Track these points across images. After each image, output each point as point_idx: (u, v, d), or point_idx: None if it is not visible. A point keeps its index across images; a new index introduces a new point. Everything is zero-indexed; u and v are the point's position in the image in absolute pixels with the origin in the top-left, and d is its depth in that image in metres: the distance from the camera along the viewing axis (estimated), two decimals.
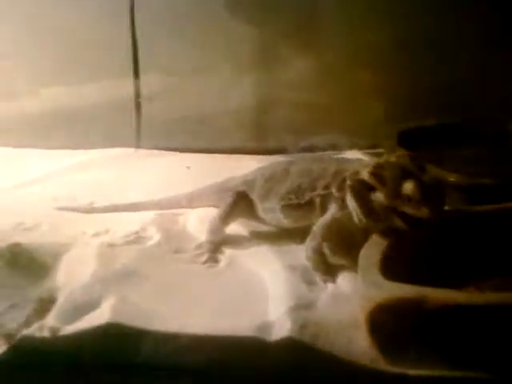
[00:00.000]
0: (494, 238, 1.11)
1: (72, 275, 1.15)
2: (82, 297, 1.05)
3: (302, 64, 1.91)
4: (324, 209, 1.19)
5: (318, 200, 1.20)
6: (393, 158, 1.10)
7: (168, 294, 1.08)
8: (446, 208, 1.27)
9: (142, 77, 1.93)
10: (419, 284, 0.91)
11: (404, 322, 0.86)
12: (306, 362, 0.89)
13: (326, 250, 1.20)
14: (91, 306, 1.03)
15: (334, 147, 1.87)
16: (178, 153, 1.93)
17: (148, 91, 1.96)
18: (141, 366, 0.93)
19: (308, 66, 1.90)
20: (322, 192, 1.19)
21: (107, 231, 1.37)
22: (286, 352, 0.89)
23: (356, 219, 1.11)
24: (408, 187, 1.03)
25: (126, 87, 1.94)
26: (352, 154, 1.75)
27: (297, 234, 1.26)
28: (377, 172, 1.07)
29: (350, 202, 1.11)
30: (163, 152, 1.94)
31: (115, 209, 1.50)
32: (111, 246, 1.28)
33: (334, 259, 1.19)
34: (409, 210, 1.03)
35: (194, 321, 0.98)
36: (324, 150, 1.87)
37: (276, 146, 1.87)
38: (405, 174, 1.05)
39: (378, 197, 1.07)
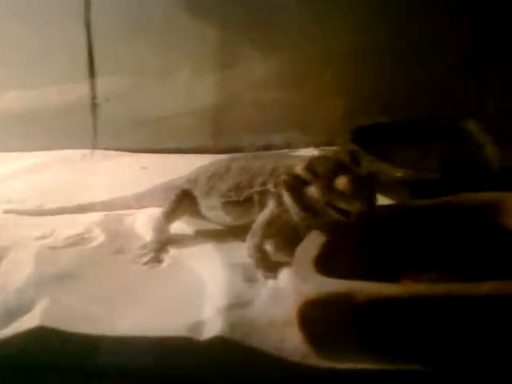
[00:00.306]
0: (433, 232, 1.11)
1: (7, 279, 1.11)
2: (15, 300, 1.03)
3: (261, 64, 1.90)
4: (263, 205, 1.17)
5: (256, 197, 1.18)
6: (329, 153, 1.09)
7: (104, 296, 1.05)
8: (391, 203, 1.28)
9: (99, 78, 1.90)
10: (356, 278, 0.90)
11: (334, 316, 0.84)
12: (236, 361, 0.87)
13: (269, 247, 1.18)
14: (23, 309, 1.00)
15: (291, 145, 1.86)
16: (135, 153, 1.90)
17: (105, 92, 1.92)
18: (70, 369, 0.91)
19: (267, 66, 1.89)
20: (260, 189, 1.18)
21: (52, 233, 1.34)
22: (217, 351, 0.87)
23: (293, 214, 1.10)
24: (341, 182, 1.02)
25: (82, 88, 1.90)
26: (308, 152, 1.75)
27: (241, 232, 1.24)
28: (311, 166, 1.06)
29: (286, 198, 1.10)
30: (120, 153, 1.91)
31: (63, 211, 1.47)
32: (52, 248, 1.25)
33: (277, 256, 1.17)
34: (341, 204, 1.03)
35: (127, 322, 0.95)
36: (280, 148, 1.86)
37: (233, 145, 1.85)
38: (339, 169, 1.04)
39: (313, 191, 1.06)
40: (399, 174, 1.38)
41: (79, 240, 1.29)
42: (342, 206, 1.02)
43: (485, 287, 0.78)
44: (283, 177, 1.09)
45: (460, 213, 1.14)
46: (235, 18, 1.83)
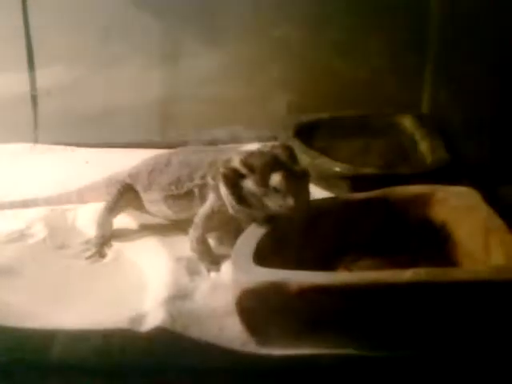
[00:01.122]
0: (368, 223, 1.16)
1: None
2: None
3: (206, 58, 1.90)
4: (203, 198, 1.19)
5: (196, 190, 1.20)
6: (265, 148, 1.12)
7: (44, 292, 1.05)
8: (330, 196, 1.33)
9: (39, 70, 1.85)
10: (293, 269, 0.93)
11: (270, 304, 0.88)
12: (176, 352, 0.89)
13: (212, 240, 1.21)
14: None
15: (236, 140, 1.87)
16: (77, 148, 1.87)
17: (46, 85, 1.88)
18: (8, 365, 0.90)
19: (212, 61, 1.89)
20: (199, 182, 1.20)
21: None
22: (156, 342, 0.89)
23: (228, 206, 1.13)
24: (275, 179, 1.05)
25: (22, 81, 1.85)
26: (252, 147, 1.77)
27: (185, 225, 1.25)
28: (247, 160, 1.09)
29: (223, 190, 1.12)
30: (62, 147, 1.87)
31: (3, 206, 1.44)
32: None
33: (220, 249, 1.20)
34: (275, 200, 1.06)
35: (67, 317, 0.96)
36: (225, 142, 1.87)
37: (178, 140, 1.85)
38: (275, 164, 1.07)
39: (249, 185, 1.08)
40: (338, 168, 1.43)
41: (20, 236, 1.28)
42: (276, 201, 1.05)
43: (408, 274, 0.84)
44: (221, 169, 1.12)
45: (393, 205, 1.19)
46: (180, 11, 1.82)
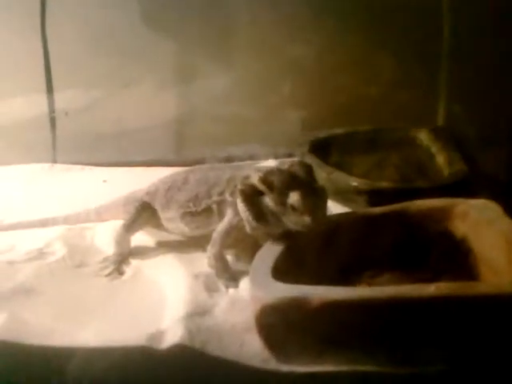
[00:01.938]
0: (387, 237, 1.15)
1: None
2: None
3: (220, 77, 1.92)
4: (222, 215, 1.20)
5: (214, 207, 1.21)
6: (285, 166, 1.12)
7: (63, 310, 1.05)
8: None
9: (57, 92, 1.88)
10: (311, 284, 0.92)
11: (290, 320, 0.87)
12: (196, 368, 0.88)
13: (229, 257, 1.20)
14: None
15: (252, 157, 1.88)
16: (95, 167, 1.89)
17: (64, 105, 1.91)
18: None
19: (226, 80, 1.91)
20: (218, 198, 1.20)
21: (12, 248, 1.33)
22: (176, 359, 0.88)
23: (245, 223, 1.13)
24: (293, 197, 1.05)
25: (41, 102, 1.88)
26: (268, 163, 1.78)
27: (204, 242, 1.26)
28: (266, 177, 1.09)
29: (240, 206, 1.12)
30: (80, 167, 1.89)
31: (23, 226, 1.45)
32: (10, 263, 1.24)
33: (237, 265, 1.19)
34: (292, 218, 1.05)
35: (88, 335, 0.96)
36: (241, 159, 1.88)
37: (195, 158, 1.86)
38: (293, 182, 1.08)
39: (267, 202, 1.08)
40: (355, 183, 1.42)
41: (39, 255, 1.28)
42: (294, 220, 1.05)
43: (430, 289, 0.82)
44: (239, 186, 1.12)
45: (412, 219, 1.18)
46: (194, 32, 1.85)
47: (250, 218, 1.10)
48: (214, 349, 0.89)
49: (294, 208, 1.05)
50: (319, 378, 0.87)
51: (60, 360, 0.91)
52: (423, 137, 1.68)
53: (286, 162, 1.15)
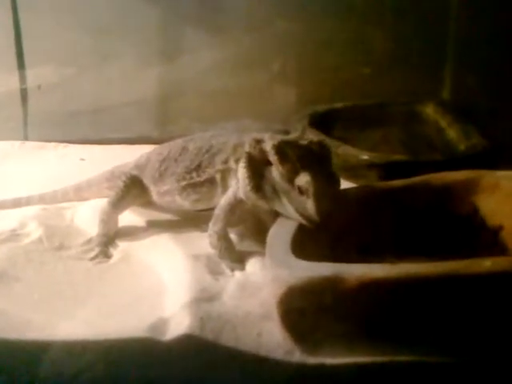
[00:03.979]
0: (407, 213, 1.03)
1: None
2: None
3: (209, 50, 1.79)
4: (226, 186, 1.06)
5: (218, 176, 1.07)
6: (303, 141, 0.98)
7: (44, 298, 0.91)
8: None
9: (29, 67, 1.74)
10: (334, 261, 0.79)
11: (320, 303, 0.73)
12: (208, 362, 0.74)
13: (233, 235, 1.07)
14: None
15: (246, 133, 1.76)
16: (71, 145, 1.74)
17: (37, 81, 1.77)
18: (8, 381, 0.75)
19: (216, 52, 1.78)
20: (221, 167, 1.06)
21: None
22: (184, 351, 0.74)
23: (241, 189, 0.99)
24: (302, 178, 0.92)
25: (11, 77, 1.74)
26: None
27: (199, 221, 1.12)
28: (281, 147, 0.95)
29: (241, 171, 0.98)
30: (54, 144, 1.74)
31: None
32: None
33: (242, 245, 1.06)
34: (296, 201, 0.92)
35: (75, 326, 0.81)
36: None
37: (180, 135, 1.73)
38: (308, 161, 0.94)
39: (274, 174, 0.95)
40: (366, 157, 1.31)
41: (12, 236, 1.14)
42: (296, 203, 0.92)
43: (487, 264, 0.70)
44: (247, 148, 0.98)
45: (435, 192, 1.07)
46: (179, 4, 1.71)
47: (249, 187, 0.97)
48: (228, 339, 0.75)
49: (300, 190, 0.92)
50: (352, 370, 0.74)
51: (42, 356, 0.76)
52: (430, 111, 1.60)
53: (306, 139, 1.01)
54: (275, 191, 0.96)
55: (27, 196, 1.30)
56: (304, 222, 0.91)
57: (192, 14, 1.75)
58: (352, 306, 0.73)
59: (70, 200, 1.30)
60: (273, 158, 0.96)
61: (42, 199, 1.30)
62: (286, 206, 0.94)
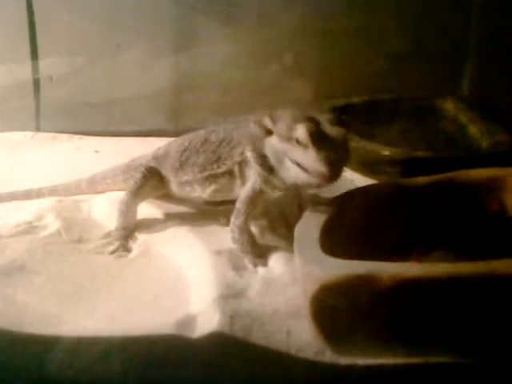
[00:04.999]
0: (432, 210, 1.01)
1: None
2: None
3: (224, 42, 1.76)
4: (244, 178, 1.04)
5: (236, 168, 1.05)
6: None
7: (66, 292, 0.89)
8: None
9: (42, 57, 1.71)
10: (360, 259, 0.77)
11: (353, 302, 0.72)
12: (238, 359, 0.73)
13: (254, 229, 1.05)
14: None
15: None
16: (84, 136, 1.72)
17: (49, 72, 1.74)
18: (31, 380, 0.73)
19: (231, 45, 1.76)
20: (239, 158, 1.04)
21: None
22: (214, 349, 0.72)
23: (257, 177, 0.97)
24: (298, 131, 0.88)
25: (24, 68, 1.71)
26: None
27: (220, 214, 1.11)
28: (275, 113, 0.93)
29: (250, 155, 0.97)
30: (67, 135, 1.72)
31: (6, 197, 1.27)
32: None
33: (264, 239, 1.04)
34: (297, 155, 0.88)
35: (98, 321, 0.79)
36: None
37: (197, 128, 1.71)
38: (304, 118, 0.90)
39: (273, 141, 0.93)
40: (388, 152, 1.28)
41: (29, 228, 1.12)
42: (298, 157, 0.88)
43: None
44: (252, 125, 0.96)
45: (462, 190, 1.05)
46: None
47: (260, 170, 0.95)
48: (258, 337, 0.73)
49: (299, 143, 0.87)
50: (386, 371, 0.72)
51: (66, 351, 0.74)
52: (449, 106, 1.57)
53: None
54: (279, 159, 0.93)
55: (38, 188, 1.28)
56: (313, 179, 0.88)
57: (207, 5, 1.72)
58: (386, 305, 0.71)
59: (83, 192, 1.28)
60: (268, 123, 0.94)
61: (53, 191, 1.28)
62: (291, 169, 0.91)
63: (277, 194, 1.02)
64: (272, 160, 0.94)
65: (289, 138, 0.90)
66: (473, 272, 0.70)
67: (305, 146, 0.88)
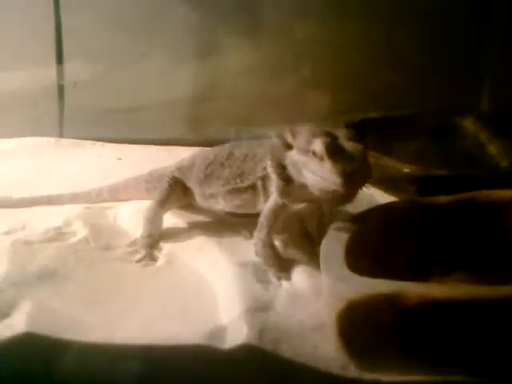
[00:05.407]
0: (452, 230, 1.03)
1: None
2: None
3: (246, 53, 1.79)
4: (267, 193, 1.07)
5: (259, 184, 1.08)
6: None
7: (95, 298, 0.91)
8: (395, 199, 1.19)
9: (67, 63, 1.75)
10: (381, 277, 0.80)
11: (379, 320, 0.74)
12: (267, 372, 0.75)
13: (278, 243, 1.07)
14: (3, 313, 0.85)
15: None
16: (106, 143, 1.75)
17: (73, 78, 1.78)
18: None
19: (251, 55, 1.78)
20: (261, 174, 1.07)
21: (23, 227, 1.19)
22: (244, 361, 0.75)
23: (277, 190, 1.00)
24: (315, 144, 0.92)
25: (49, 73, 1.75)
26: None
27: (243, 227, 1.14)
28: (295, 128, 0.97)
29: (269, 170, 1.00)
30: (89, 142, 1.75)
31: (32, 202, 1.30)
32: (27, 243, 1.09)
33: (287, 253, 1.06)
34: (313, 167, 0.92)
35: (127, 329, 0.82)
36: None
37: (217, 138, 1.73)
38: (322, 133, 0.94)
39: (292, 155, 0.96)
40: (407, 169, 1.30)
41: (58, 234, 1.14)
42: (314, 169, 0.91)
43: None
44: (273, 141, 1.00)
45: (482, 210, 1.06)
46: (215, 6, 1.71)
47: (278, 180, 0.98)
48: (286, 350, 0.76)
49: (316, 155, 0.91)
50: None
51: (100, 358, 0.77)
52: (468, 124, 1.57)
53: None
54: (297, 170, 0.96)
55: (58, 194, 1.31)
56: (329, 188, 0.91)
57: (229, 16, 1.75)
58: (410, 324, 0.74)
59: (104, 200, 1.31)
60: (289, 138, 0.98)
61: (74, 198, 1.31)
62: (308, 179, 0.94)
63: (297, 206, 1.05)
64: (291, 171, 0.98)
65: (307, 151, 0.94)
66: (495, 295, 0.72)
67: (321, 158, 0.91)
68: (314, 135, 0.94)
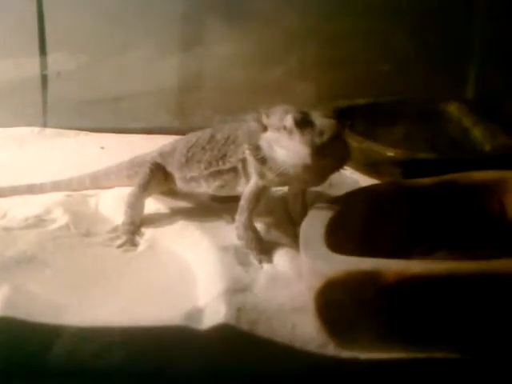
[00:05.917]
0: (436, 210, 1.03)
1: None
2: None
3: (230, 42, 1.78)
4: (247, 175, 1.07)
5: (239, 165, 1.07)
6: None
7: (74, 283, 0.91)
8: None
9: (50, 53, 1.74)
10: (368, 256, 0.79)
11: (358, 298, 0.73)
12: (244, 352, 0.75)
13: (259, 226, 1.07)
14: None
15: None
16: (90, 133, 1.74)
17: (57, 68, 1.76)
18: (37, 368, 0.75)
19: (237, 44, 1.77)
20: (241, 156, 1.07)
21: (4, 215, 1.18)
22: (221, 341, 0.74)
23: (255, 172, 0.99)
24: (286, 118, 0.91)
25: (32, 63, 1.74)
26: None
27: (224, 211, 1.13)
28: (269, 109, 0.97)
29: (247, 152, 1.00)
30: (73, 132, 1.74)
31: (13, 191, 1.29)
32: (7, 229, 1.08)
33: (269, 236, 1.06)
34: (284, 143, 0.91)
35: (106, 312, 0.81)
36: None
37: (202, 126, 1.73)
38: (295, 109, 0.94)
39: (266, 135, 0.96)
40: (391, 153, 1.30)
41: (38, 221, 1.13)
42: (285, 144, 0.91)
43: None
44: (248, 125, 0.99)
45: (465, 191, 1.06)
46: None
47: (254, 162, 0.97)
48: (264, 331, 0.75)
49: (287, 130, 0.91)
50: (386, 366, 0.74)
51: (77, 341, 0.76)
52: (453, 109, 1.58)
53: None
54: (270, 148, 0.96)
55: (41, 183, 1.30)
56: (298, 161, 0.90)
57: (213, 4, 1.74)
58: (389, 301, 0.73)
59: (85, 188, 1.30)
60: (264, 119, 0.97)
61: (56, 186, 1.30)
62: (279, 155, 0.94)
63: (281, 189, 1.04)
64: (266, 152, 0.97)
65: (279, 128, 0.93)
66: (474, 270, 0.71)
67: (290, 132, 0.91)
68: (287, 113, 0.94)
